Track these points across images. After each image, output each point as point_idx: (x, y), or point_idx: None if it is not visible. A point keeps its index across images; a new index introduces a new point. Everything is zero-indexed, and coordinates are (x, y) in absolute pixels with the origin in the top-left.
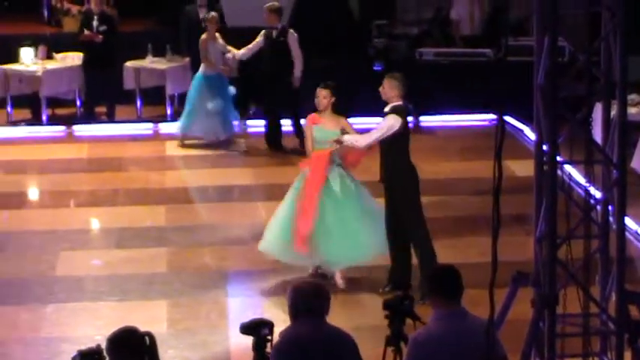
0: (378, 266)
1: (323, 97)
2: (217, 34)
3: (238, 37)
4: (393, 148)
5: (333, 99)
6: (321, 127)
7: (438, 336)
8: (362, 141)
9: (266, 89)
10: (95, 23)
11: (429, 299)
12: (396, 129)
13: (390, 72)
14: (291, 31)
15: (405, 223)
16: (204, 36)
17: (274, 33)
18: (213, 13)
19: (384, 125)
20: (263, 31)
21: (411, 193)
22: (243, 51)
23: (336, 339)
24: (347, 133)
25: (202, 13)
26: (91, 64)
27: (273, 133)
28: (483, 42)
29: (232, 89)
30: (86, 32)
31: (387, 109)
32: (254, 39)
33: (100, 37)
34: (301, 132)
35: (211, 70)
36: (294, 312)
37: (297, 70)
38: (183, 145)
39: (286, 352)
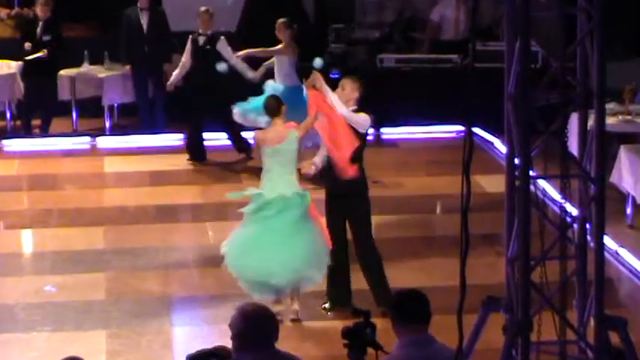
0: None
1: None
2: None
3: (183, 42)
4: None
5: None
6: None
7: None
8: (337, 104)
9: (194, 101)
10: (39, 32)
11: (393, 326)
12: (366, 127)
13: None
14: (222, 37)
15: (360, 240)
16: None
17: (201, 40)
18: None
19: (357, 116)
20: (190, 37)
21: (369, 208)
22: (180, 66)
23: None
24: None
25: (144, 17)
26: (31, 73)
27: (193, 143)
28: (452, 47)
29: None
30: (27, 45)
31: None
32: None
33: (45, 51)
34: (243, 145)
35: None
36: (241, 340)
37: (250, 73)
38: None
39: None
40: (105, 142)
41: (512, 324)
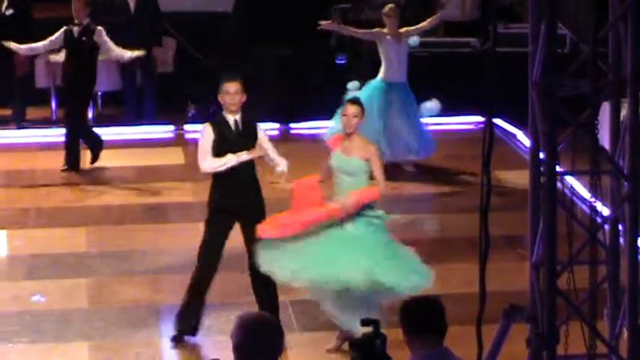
0: None
1: (353, 115)
2: None
3: (175, 23)
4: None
5: (362, 118)
6: (341, 154)
7: None
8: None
9: (69, 98)
10: (4, 5)
11: (405, 338)
12: None
13: (353, 67)
14: (99, 27)
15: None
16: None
17: (76, 31)
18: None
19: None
20: (62, 29)
21: None
22: (33, 45)
23: None
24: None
25: None
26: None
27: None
28: (469, 30)
29: None
30: None
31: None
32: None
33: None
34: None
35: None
36: (242, 352)
37: (127, 55)
38: None
39: None
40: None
41: (536, 335)
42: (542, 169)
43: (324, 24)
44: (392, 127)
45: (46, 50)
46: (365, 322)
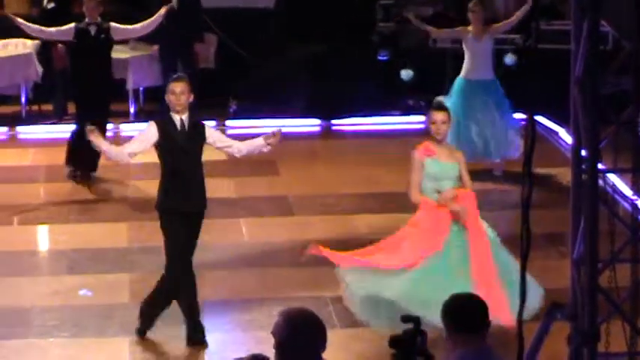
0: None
1: (442, 121)
2: None
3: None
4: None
5: (450, 123)
6: (438, 160)
7: None
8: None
9: (88, 96)
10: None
11: (449, 335)
12: None
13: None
14: (113, 24)
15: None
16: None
17: (92, 30)
18: None
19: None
20: (73, 25)
21: None
22: (44, 29)
23: None
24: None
25: None
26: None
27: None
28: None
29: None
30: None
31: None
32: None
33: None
34: None
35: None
36: (285, 349)
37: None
38: None
39: None
40: (129, 128)
41: (577, 333)
42: (584, 166)
43: (409, 14)
44: (473, 125)
45: (54, 39)
46: (406, 319)
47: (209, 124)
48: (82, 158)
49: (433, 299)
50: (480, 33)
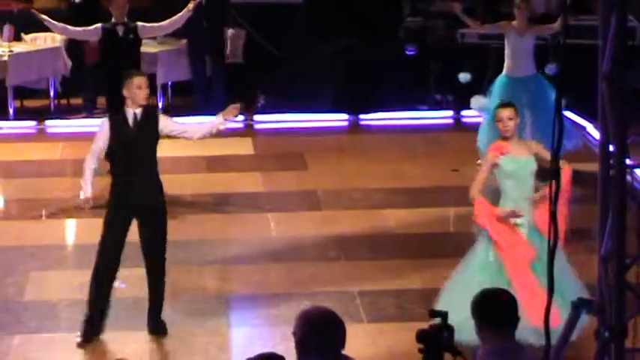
0: (405, 290)
1: (508, 117)
2: None
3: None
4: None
5: (518, 119)
6: (513, 157)
7: None
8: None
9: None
10: None
11: (479, 329)
12: None
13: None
14: (140, 23)
15: (161, 250)
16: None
17: (120, 30)
18: None
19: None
20: (100, 25)
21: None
22: (68, 27)
23: None
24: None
25: None
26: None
27: None
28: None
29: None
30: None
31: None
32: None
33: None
34: None
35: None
36: (305, 347)
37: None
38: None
39: None
40: None
41: (604, 328)
42: (611, 162)
43: (455, 8)
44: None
45: (80, 38)
46: (433, 314)
47: (163, 116)
48: None
49: None
50: (523, 29)
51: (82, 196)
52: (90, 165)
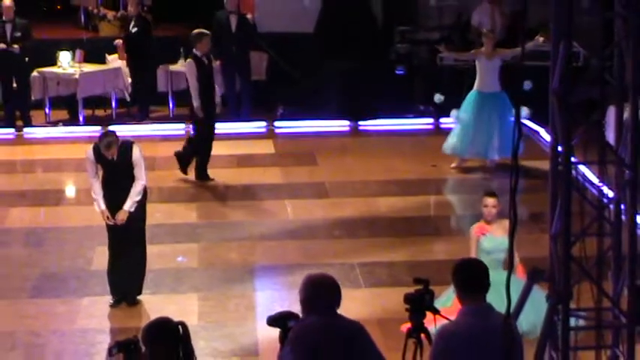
0: (395, 262)
1: (492, 206)
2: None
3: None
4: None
5: (499, 206)
6: (492, 236)
7: (465, 330)
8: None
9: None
10: (132, 25)
11: (458, 294)
12: None
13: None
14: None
15: (138, 237)
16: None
17: (205, 59)
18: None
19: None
20: (194, 56)
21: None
22: None
23: (348, 326)
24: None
25: (232, 19)
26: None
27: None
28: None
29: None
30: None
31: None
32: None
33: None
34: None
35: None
36: (307, 304)
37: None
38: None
39: (301, 341)
40: None
41: (554, 293)
42: (559, 159)
43: (442, 48)
44: (480, 129)
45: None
46: (417, 281)
47: (137, 150)
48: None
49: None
50: (490, 54)
51: (97, 209)
52: (96, 190)
